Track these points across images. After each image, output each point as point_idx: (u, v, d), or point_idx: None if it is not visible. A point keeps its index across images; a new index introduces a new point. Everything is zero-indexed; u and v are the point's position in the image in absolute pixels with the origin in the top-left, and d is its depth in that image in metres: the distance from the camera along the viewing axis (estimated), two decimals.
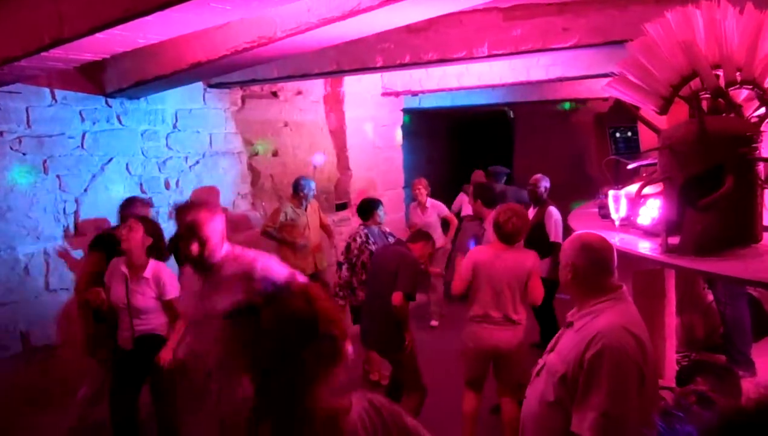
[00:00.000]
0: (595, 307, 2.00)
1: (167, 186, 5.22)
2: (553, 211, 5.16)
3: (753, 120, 2.27)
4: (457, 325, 3.88)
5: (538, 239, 4.89)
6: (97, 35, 2.49)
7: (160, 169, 5.16)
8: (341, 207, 6.73)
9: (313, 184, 5.66)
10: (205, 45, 3.49)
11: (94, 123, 4.66)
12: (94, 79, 4.57)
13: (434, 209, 6.48)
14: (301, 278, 2.42)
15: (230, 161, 5.77)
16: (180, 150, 5.30)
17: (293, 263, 5.08)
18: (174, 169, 5.26)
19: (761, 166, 2.26)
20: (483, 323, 3.51)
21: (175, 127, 5.26)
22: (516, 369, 3.50)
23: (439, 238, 6.27)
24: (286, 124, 6.30)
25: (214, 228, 2.53)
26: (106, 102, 4.72)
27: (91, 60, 3.02)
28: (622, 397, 1.82)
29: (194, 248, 2.46)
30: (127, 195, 4.86)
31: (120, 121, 4.85)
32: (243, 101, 5.89)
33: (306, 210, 5.62)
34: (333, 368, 1.34)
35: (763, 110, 2.22)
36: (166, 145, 5.21)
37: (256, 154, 5.99)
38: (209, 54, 3.48)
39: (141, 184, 5.02)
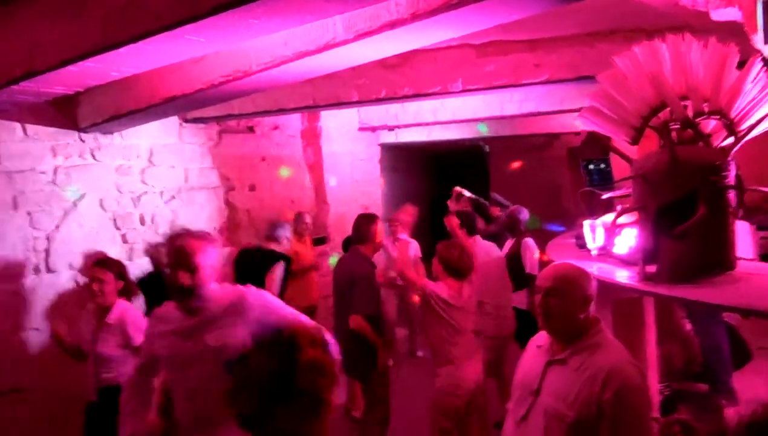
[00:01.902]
0: (587, 341, 1.93)
1: (142, 222, 5.13)
2: (530, 242, 5.17)
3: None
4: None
5: (516, 271, 4.89)
6: (70, 68, 2.45)
7: (134, 205, 5.07)
8: (319, 241, 6.68)
9: (307, 218, 5.81)
10: (180, 78, 3.48)
11: (66, 158, 4.57)
12: (68, 113, 4.51)
13: (412, 245, 6.39)
14: (303, 320, 2.23)
15: (206, 196, 5.71)
16: (155, 185, 5.23)
17: (297, 294, 5.02)
18: (149, 205, 5.17)
19: (731, 195, 2.30)
20: (462, 364, 3.40)
21: (150, 162, 5.20)
22: (487, 406, 3.45)
23: None
24: (263, 159, 6.29)
25: (207, 258, 2.23)
26: (80, 137, 4.65)
27: (63, 93, 2.98)
28: (646, 431, 1.79)
29: (184, 277, 2.17)
30: (101, 232, 4.77)
31: (94, 157, 4.77)
32: (219, 136, 5.87)
33: (306, 243, 5.66)
34: (314, 423, 1.29)
35: (730, 140, 2.26)
36: (141, 180, 5.13)
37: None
38: (185, 88, 3.46)
39: (115, 220, 4.92)
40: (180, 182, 5.46)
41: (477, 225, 4.84)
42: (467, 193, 6.59)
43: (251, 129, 6.18)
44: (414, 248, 6.20)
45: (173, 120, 5.33)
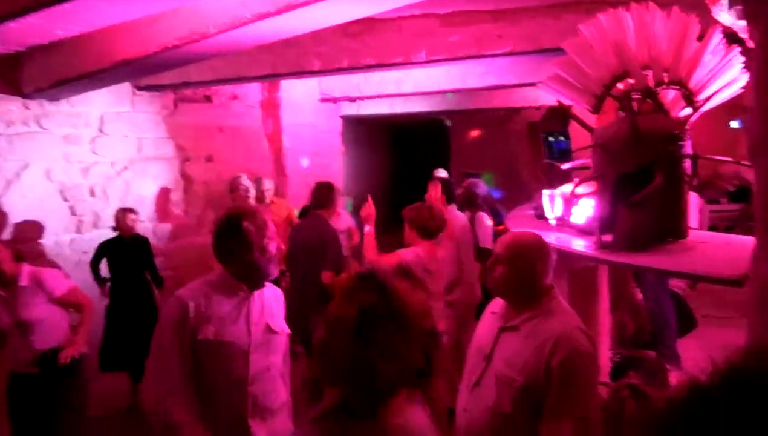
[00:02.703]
0: (540, 308, 1.95)
1: (92, 194, 4.93)
2: (484, 216, 5.21)
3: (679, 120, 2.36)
4: None
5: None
6: (8, 24, 2.30)
7: (84, 176, 4.87)
8: None
9: (267, 184, 5.61)
10: (133, 41, 3.32)
11: (8, 126, 4.33)
12: (10, 78, 4.25)
13: (343, 218, 6.23)
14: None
15: (161, 168, 5.53)
16: (106, 155, 5.03)
17: None
18: (99, 176, 4.97)
19: (687, 165, 2.35)
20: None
21: (101, 131, 4.98)
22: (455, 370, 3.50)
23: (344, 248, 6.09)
24: (221, 130, 6.12)
25: None
26: (24, 103, 4.40)
27: (3, 53, 2.80)
28: (592, 398, 1.82)
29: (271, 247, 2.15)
30: (46, 203, 4.57)
31: (39, 125, 4.54)
32: (175, 105, 5.67)
33: (272, 209, 5.48)
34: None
35: (688, 110, 2.31)
36: (92, 150, 4.92)
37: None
38: (138, 51, 3.30)
39: (62, 192, 4.71)
40: (133, 153, 5.26)
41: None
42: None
43: (208, 98, 5.99)
44: (346, 220, 5.96)
45: (126, 87, 5.12)
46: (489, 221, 5.18)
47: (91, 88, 4.40)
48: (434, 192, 4.55)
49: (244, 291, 2.10)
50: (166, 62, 3.55)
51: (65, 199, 4.73)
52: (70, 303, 3.20)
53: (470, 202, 5.38)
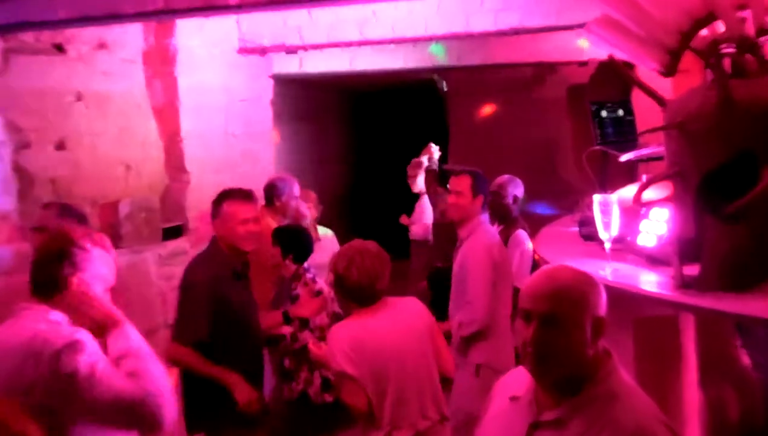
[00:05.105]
0: (594, 390, 1.95)
1: None
2: (523, 236, 5.24)
3: None
4: None
5: None
6: None
7: None
8: (172, 233, 6.53)
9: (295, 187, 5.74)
10: None
11: None
12: None
13: (328, 244, 6.34)
14: None
15: None
16: None
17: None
18: None
19: None
20: None
21: None
22: None
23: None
24: (79, 98, 6.08)
25: None
26: None
27: None
28: None
29: None
30: None
31: None
32: (6, 59, 5.62)
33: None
34: None
35: None
36: None
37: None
38: None
39: None
40: None
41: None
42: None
43: (60, 48, 5.94)
44: (333, 244, 6.19)
45: None
46: (528, 243, 5.20)
47: None
48: (458, 187, 4.47)
49: None
50: None
51: None
52: None
53: (504, 214, 5.43)
